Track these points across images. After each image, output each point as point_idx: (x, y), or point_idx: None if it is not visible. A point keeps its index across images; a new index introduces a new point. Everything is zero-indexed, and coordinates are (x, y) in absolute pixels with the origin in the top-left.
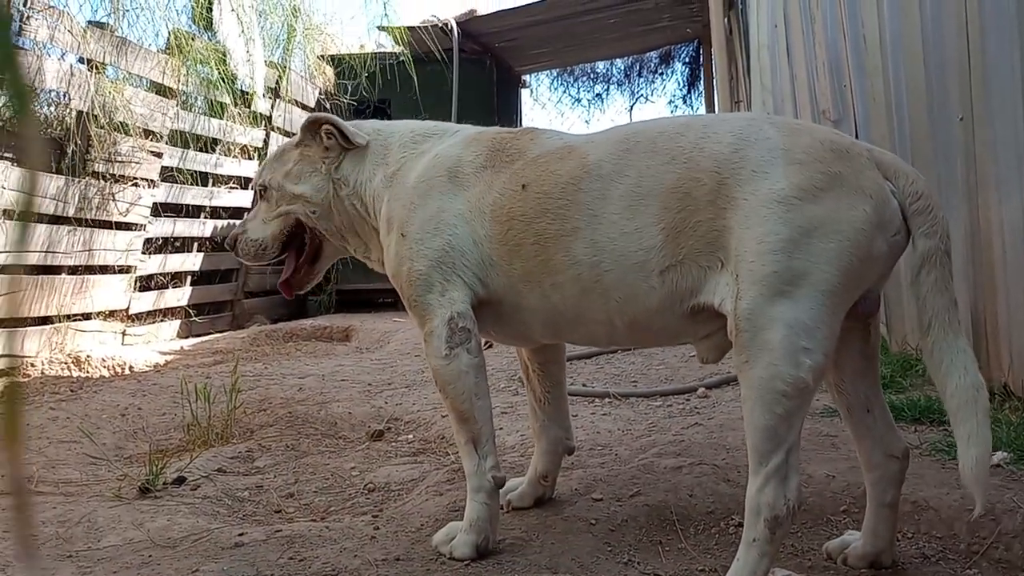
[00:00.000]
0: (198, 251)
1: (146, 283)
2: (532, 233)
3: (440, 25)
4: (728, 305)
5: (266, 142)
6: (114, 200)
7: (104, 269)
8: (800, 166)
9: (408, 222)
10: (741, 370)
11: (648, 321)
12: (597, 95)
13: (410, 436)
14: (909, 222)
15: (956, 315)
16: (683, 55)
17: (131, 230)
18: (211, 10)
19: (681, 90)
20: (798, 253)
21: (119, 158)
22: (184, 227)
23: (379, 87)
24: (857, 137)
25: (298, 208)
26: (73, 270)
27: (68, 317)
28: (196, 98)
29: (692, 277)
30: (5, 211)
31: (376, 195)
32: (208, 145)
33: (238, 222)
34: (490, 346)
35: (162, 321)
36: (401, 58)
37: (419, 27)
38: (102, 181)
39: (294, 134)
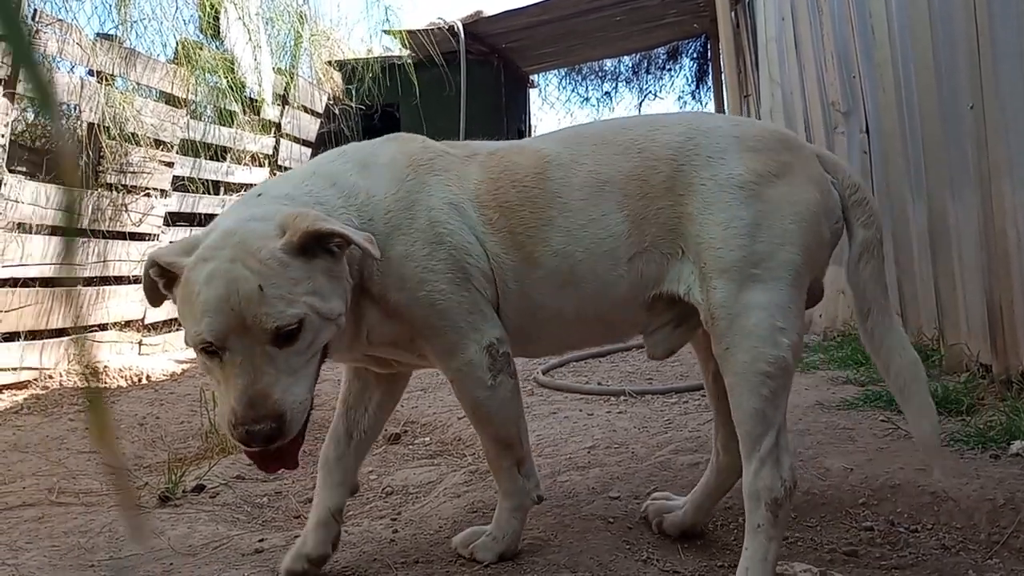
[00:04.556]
0: None
1: None
2: (518, 221)
3: (446, 27)
4: (697, 294)
5: (276, 149)
6: (127, 211)
7: (119, 280)
8: (754, 152)
9: (409, 245)
10: (723, 358)
11: (614, 314)
12: (606, 93)
13: (427, 439)
14: (848, 213)
15: (889, 299)
16: (691, 50)
17: (145, 240)
18: (218, 19)
19: (689, 85)
20: (761, 235)
21: (131, 169)
22: None
23: (387, 90)
24: (868, 128)
25: (331, 330)
26: (88, 281)
27: (85, 328)
28: (205, 107)
29: (656, 265)
30: (20, 224)
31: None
32: (219, 154)
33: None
34: None
35: (178, 330)
36: (408, 61)
37: (425, 30)
38: (114, 192)
39: (304, 140)
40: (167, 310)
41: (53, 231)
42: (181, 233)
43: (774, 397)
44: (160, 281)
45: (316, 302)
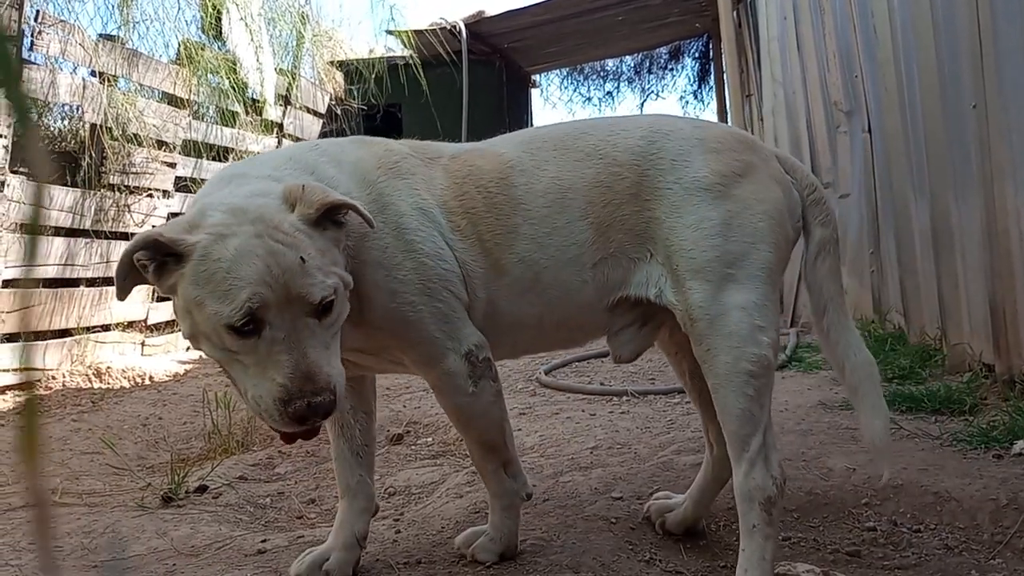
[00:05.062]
0: None
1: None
2: (485, 228)
3: (449, 27)
4: (671, 296)
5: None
6: (129, 211)
7: None
8: (717, 154)
9: (380, 252)
10: (704, 359)
11: (577, 319)
12: (608, 93)
13: (429, 439)
14: (806, 212)
15: (844, 299)
16: (693, 50)
17: None
18: (220, 20)
19: (692, 85)
20: (733, 235)
21: (133, 169)
22: None
23: (389, 91)
24: (870, 127)
25: (347, 302)
26: (91, 282)
27: (88, 329)
28: (208, 108)
29: (621, 269)
30: (23, 225)
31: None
32: (221, 154)
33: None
34: None
35: (180, 331)
36: (411, 61)
37: (428, 30)
38: (117, 193)
39: (305, 140)
40: (169, 310)
41: (56, 231)
42: None
43: (759, 396)
44: (150, 265)
45: (340, 271)
